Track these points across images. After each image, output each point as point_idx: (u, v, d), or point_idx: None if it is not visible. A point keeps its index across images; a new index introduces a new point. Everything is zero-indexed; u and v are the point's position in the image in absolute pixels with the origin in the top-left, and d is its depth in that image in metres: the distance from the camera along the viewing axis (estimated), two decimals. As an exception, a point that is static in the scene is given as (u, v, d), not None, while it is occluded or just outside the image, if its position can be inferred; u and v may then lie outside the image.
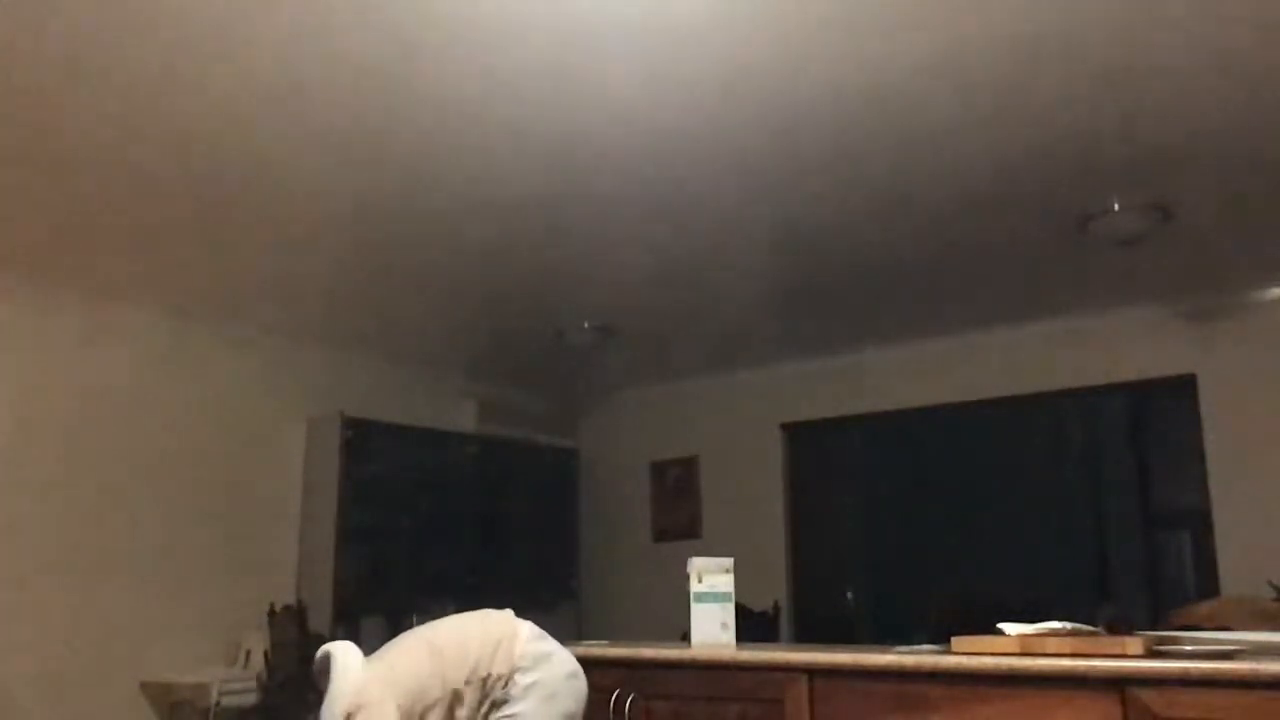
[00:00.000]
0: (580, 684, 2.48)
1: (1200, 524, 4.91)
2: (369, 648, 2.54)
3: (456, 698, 2.32)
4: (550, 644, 2.50)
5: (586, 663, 2.76)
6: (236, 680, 4.58)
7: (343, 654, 2.30)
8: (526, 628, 2.50)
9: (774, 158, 3.41)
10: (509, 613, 2.56)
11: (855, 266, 4.52)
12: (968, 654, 2.13)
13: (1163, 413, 5.29)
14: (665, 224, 3.98)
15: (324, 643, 2.56)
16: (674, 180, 3.57)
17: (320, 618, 5.01)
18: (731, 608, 2.81)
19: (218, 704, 4.46)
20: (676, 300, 5.00)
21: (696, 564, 2.84)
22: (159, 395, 4.91)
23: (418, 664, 2.33)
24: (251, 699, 4.45)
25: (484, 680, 2.36)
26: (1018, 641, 2.10)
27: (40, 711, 4.26)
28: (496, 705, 2.37)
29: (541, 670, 2.42)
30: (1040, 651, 2.06)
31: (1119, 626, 2.42)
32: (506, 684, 2.39)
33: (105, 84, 2.85)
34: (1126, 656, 1.97)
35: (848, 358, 6.03)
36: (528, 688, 2.38)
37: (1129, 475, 5.37)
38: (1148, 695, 1.90)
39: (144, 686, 4.62)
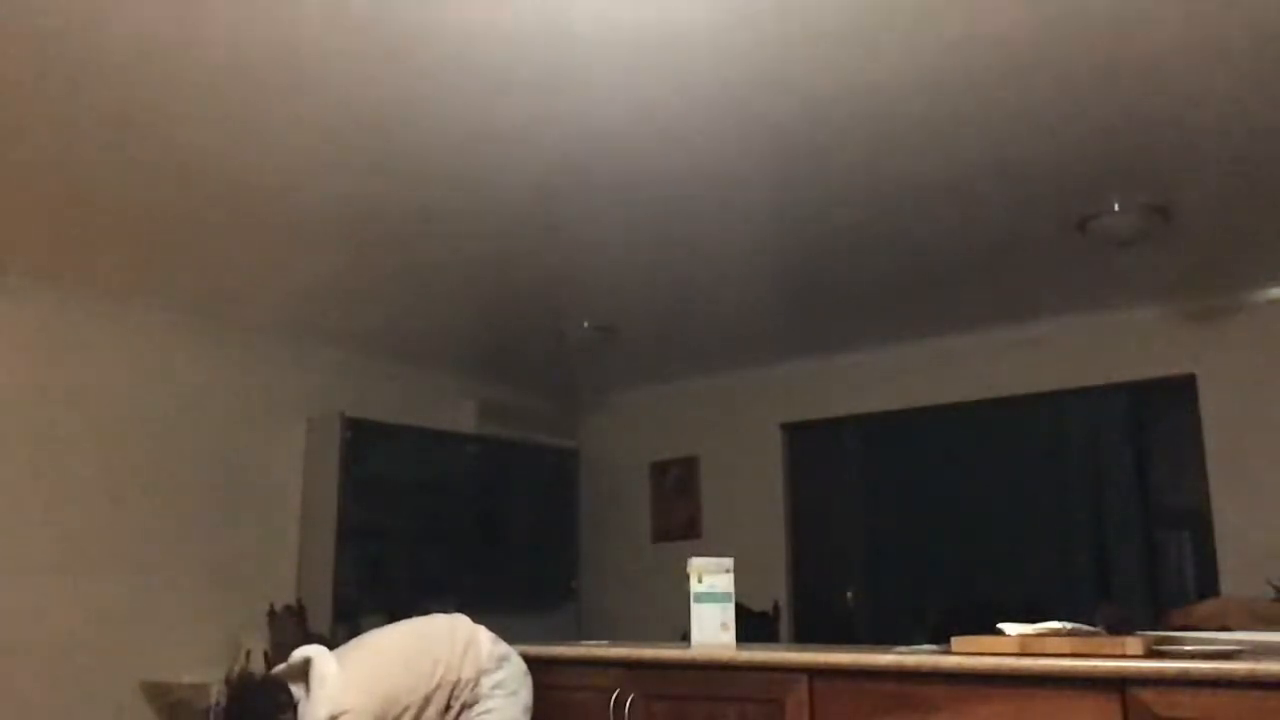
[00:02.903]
0: (530, 681, 2.69)
1: (1200, 524, 4.90)
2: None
3: (426, 701, 2.47)
4: (506, 646, 2.69)
5: (586, 663, 2.77)
6: (236, 680, 4.58)
7: (322, 659, 2.37)
8: (485, 633, 2.68)
9: (773, 159, 3.41)
10: (466, 619, 2.71)
11: (855, 267, 4.52)
12: (968, 654, 2.13)
13: (1163, 413, 5.28)
14: (666, 225, 3.98)
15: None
16: (674, 181, 3.57)
17: (320, 618, 5.01)
18: (731, 608, 2.81)
19: (217, 704, 4.45)
20: (676, 300, 5.00)
21: (696, 564, 2.84)
22: (159, 395, 4.91)
23: (393, 672, 2.46)
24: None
25: (453, 685, 2.53)
26: (1018, 641, 2.10)
27: (40, 711, 4.26)
28: (467, 706, 2.55)
29: (504, 670, 2.62)
30: (1040, 651, 2.06)
31: (1119, 626, 2.42)
32: (474, 686, 2.56)
33: (107, 84, 2.85)
34: (1126, 656, 1.97)
35: (848, 358, 6.02)
36: (495, 686, 2.58)
37: (1129, 475, 5.36)
38: (1148, 695, 1.90)
39: (144, 686, 4.61)
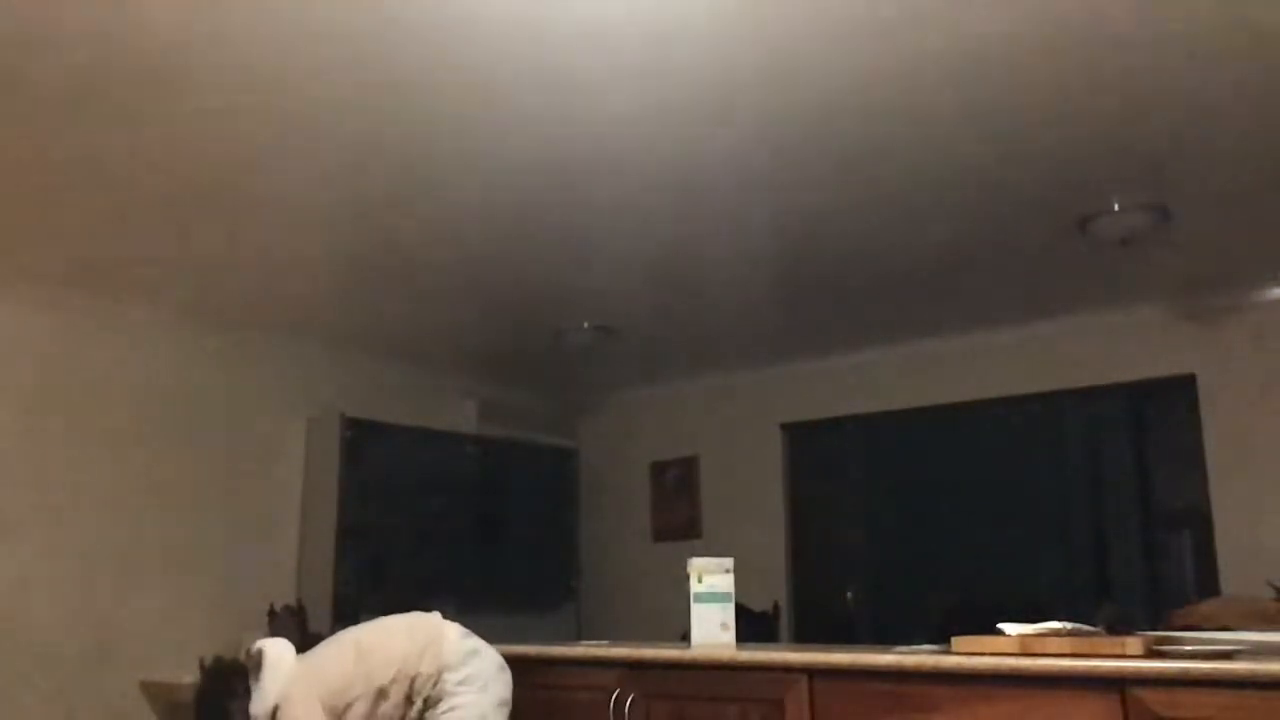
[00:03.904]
0: (508, 675, 2.66)
1: (1200, 524, 4.90)
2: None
3: (381, 694, 2.49)
4: (477, 641, 2.67)
5: (586, 663, 2.77)
6: (236, 680, 4.57)
7: (275, 651, 2.42)
8: (453, 629, 2.67)
9: (773, 159, 3.41)
10: (437, 615, 2.71)
11: (855, 267, 4.52)
12: (968, 654, 2.13)
13: (1163, 413, 5.28)
14: (665, 224, 3.98)
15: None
16: (673, 181, 3.57)
17: (320, 618, 5.01)
18: (731, 608, 2.81)
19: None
20: (676, 300, 5.00)
21: (696, 564, 2.84)
22: (159, 395, 4.91)
23: (343, 662, 2.50)
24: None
25: (411, 679, 2.54)
26: (1018, 641, 2.10)
27: (40, 711, 4.26)
28: (431, 702, 2.55)
29: (472, 665, 2.60)
30: (1040, 651, 2.06)
31: (1119, 626, 2.42)
32: (436, 682, 2.55)
33: (108, 83, 2.85)
34: (1126, 656, 1.97)
35: (848, 358, 6.02)
36: (461, 682, 2.57)
37: (1129, 475, 5.35)
38: (1148, 695, 1.90)
39: (144, 686, 4.61)
